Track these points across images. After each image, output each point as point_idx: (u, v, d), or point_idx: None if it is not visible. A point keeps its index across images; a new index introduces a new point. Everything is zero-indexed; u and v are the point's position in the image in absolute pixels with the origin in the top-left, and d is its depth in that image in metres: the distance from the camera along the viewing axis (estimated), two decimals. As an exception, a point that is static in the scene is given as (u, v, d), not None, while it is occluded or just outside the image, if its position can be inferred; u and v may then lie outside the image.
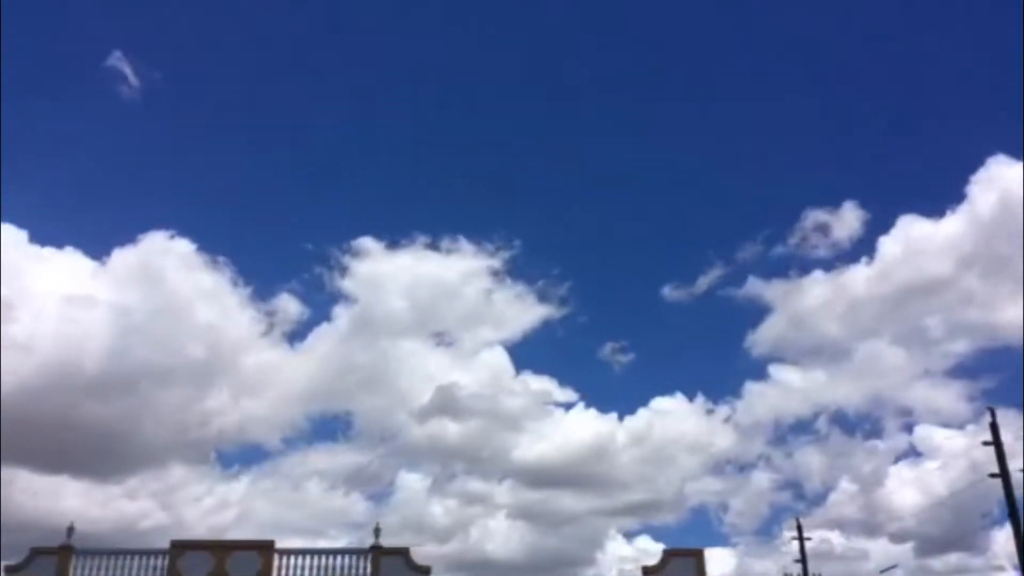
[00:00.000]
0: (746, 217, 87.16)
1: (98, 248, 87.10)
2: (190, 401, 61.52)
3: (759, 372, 74.46)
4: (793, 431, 71.33)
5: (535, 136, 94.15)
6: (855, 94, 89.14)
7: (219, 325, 65.46)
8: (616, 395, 74.32)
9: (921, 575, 51.19)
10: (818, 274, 73.55)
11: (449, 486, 63.39)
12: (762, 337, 71.37)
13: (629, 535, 64.06)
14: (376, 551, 31.07)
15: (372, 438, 68.27)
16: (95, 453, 56.85)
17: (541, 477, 63.02)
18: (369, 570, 30.80)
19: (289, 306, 71.36)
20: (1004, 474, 25.78)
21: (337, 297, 77.26)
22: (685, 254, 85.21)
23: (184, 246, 66.24)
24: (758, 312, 77.79)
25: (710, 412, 68.30)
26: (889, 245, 70.29)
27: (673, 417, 66.71)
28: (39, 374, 55.59)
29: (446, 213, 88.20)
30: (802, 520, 37.35)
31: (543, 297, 76.03)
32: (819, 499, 65.13)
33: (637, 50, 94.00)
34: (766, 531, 65.34)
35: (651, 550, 47.80)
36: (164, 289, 63.75)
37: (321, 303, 77.13)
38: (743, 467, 68.52)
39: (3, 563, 30.81)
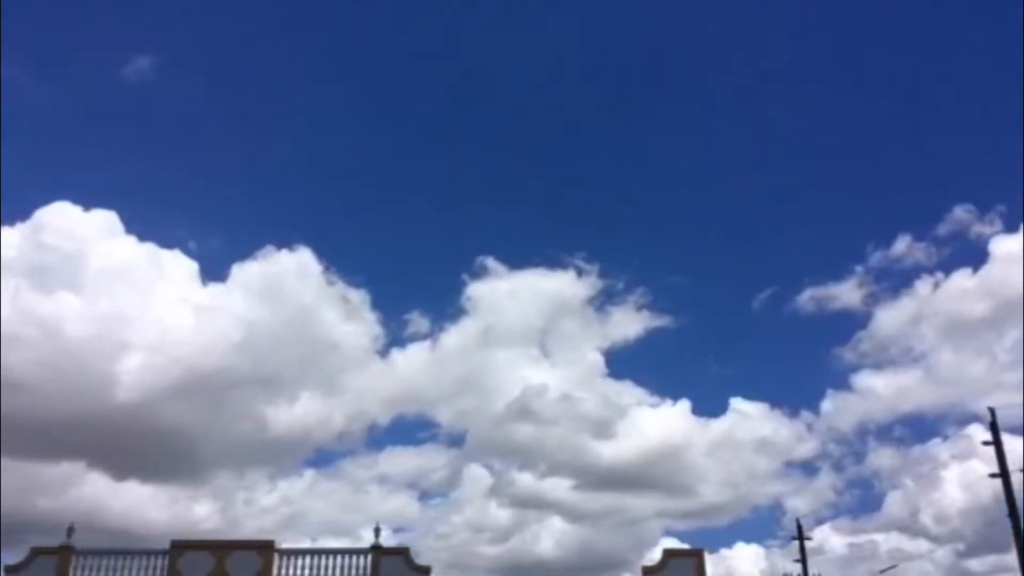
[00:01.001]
0: (843, 228, 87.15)
1: (222, 259, 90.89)
2: (288, 406, 63.61)
3: (843, 380, 75.80)
4: (868, 437, 72.43)
5: (633, 155, 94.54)
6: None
7: (333, 334, 67.75)
8: (702, 400, 75.77)
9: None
10: (915, 284, 75.51)
11: (513, 488, 63.45)
12: (851, 345, 73.58)
13: (683, 536, 65.22)
14: (376, 551, 31.08)
15: (450, 441, 70.70)
16: (194, 458, 59.14)
17: (609, 479, 63.68)
18: (369, 570, 30.82)
19: (405, 317, 75.60)
20: (1004, 474, 25.75)
21: (453, 312, 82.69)
22: (781, 263, 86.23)
23: (303, 257, 68.77)
24: (848, 321, 78.77)
25: (792, 417, 70.27)
26: (993, 254, 70.82)
27: (752, 421, 67.48)
28: (161, 381, 57.10)
29: (557, 232, 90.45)
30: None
31: (642, 306, 77.60)
32: (878, 502, 66.87)
33: (747, 58, 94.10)
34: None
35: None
36: (283, 300, 66.29)
37: (439, 316, 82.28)
38: (813, 470, 70.73)
39: (4, 563, 30.90)
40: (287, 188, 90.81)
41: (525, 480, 62.52)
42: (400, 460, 70.10)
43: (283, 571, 30.80)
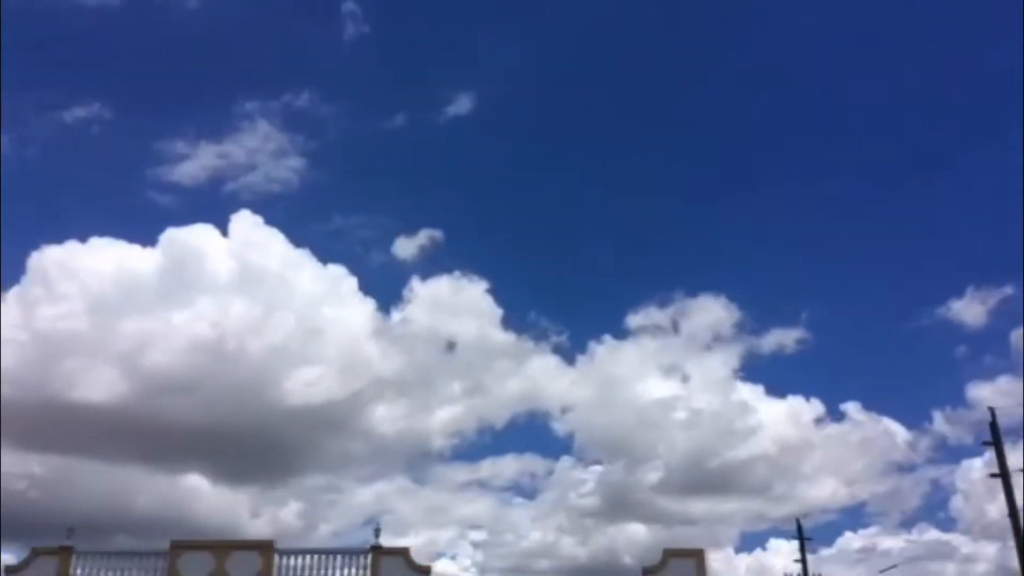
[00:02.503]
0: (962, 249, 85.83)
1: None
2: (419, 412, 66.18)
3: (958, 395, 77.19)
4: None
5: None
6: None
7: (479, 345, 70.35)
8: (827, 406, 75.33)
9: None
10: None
11: (605, 491, 63.63)
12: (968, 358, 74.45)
13: (760, 537, 65.57)
14: (376, 551, 31.08)
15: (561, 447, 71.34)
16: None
17: (706, 483, 63.71)
18: (369, 570, 30.82)
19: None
20: (1004, 474, 25.76)
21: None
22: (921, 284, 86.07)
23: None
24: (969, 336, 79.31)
25: (912, 427, 71.38)
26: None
27: (867, 427, 68.29)
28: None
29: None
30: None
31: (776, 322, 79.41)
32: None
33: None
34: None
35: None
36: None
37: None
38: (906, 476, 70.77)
39: (4, 563, 30.95)
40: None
41: (625, 484, 62.87)
42: (505, 464, 70.64)
43: (283, 571, 30.81)
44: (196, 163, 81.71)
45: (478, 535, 61.04)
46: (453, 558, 51.69)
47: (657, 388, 67.64)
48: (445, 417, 66.98)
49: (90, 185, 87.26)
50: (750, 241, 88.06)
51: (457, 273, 77.35)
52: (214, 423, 55.41)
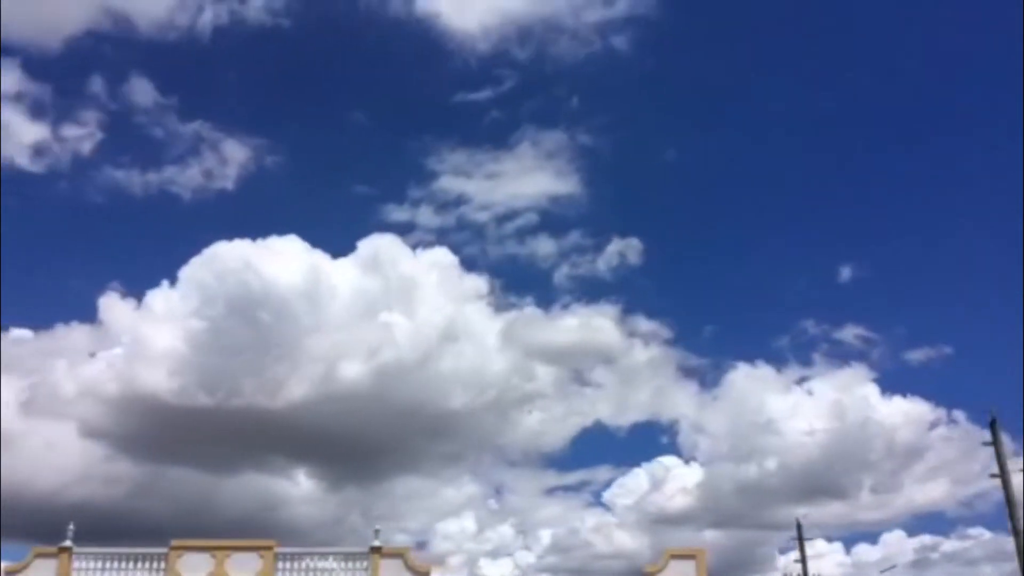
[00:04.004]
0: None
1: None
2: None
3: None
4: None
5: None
6: None
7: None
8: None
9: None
10: None
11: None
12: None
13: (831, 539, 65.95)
14: (375, 552, 31.06)
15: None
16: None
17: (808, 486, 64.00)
18: (368, 571, 30.81)
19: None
20: (1004, 474, 25.73)
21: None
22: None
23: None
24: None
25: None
26: None
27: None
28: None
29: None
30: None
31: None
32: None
33: None
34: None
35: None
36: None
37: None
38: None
39: (4, 564, 30.96)
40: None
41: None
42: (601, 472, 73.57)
43: (283, 572, 30.81)
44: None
45: (545, 536, 62.69)
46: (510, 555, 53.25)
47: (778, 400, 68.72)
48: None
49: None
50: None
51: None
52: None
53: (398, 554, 31.33)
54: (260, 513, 56.96)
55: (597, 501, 69.98)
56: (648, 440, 76.51)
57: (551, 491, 73.05)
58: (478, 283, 74.47)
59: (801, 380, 71.88)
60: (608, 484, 70.36)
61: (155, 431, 57.22)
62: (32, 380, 61.11)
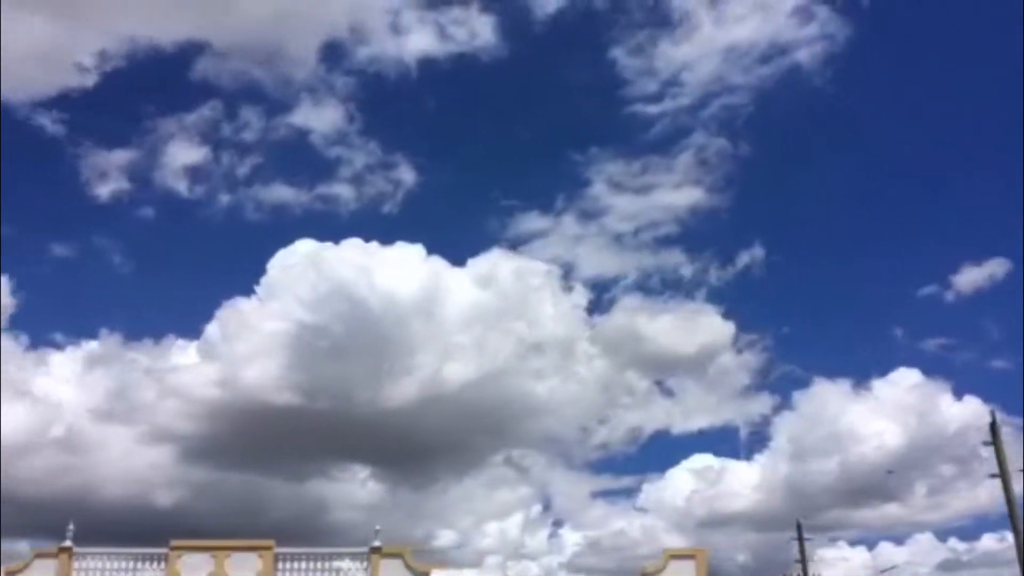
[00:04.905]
0: None
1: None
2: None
3: None
4: None
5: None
6: None
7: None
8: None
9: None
10: None
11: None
12: None
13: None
14: (375, 552, 31.07)
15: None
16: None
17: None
18: (368, 571, 30.81)
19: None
20: (1004, 474, 25.74)
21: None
22: None
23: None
24: None
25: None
26: None
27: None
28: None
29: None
30: None
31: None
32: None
33: None
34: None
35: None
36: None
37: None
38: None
39: (3, 565, 30.95)
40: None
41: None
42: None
43: (282, 573, 30.81)
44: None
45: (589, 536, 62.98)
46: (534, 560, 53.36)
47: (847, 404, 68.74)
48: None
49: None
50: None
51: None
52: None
53: (398, 554, 31.31)
54: (311, 515, 57.92)
55: (649, 503, 70.86)
56: (714, 444, 78.96)
57: (608, 493, 75.05)
58: (586, 293, 77.29)
59: (870, 384, 72.15)
60: (662, 487, 70.47)
61: (243, 436, 59.10)
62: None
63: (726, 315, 75.09)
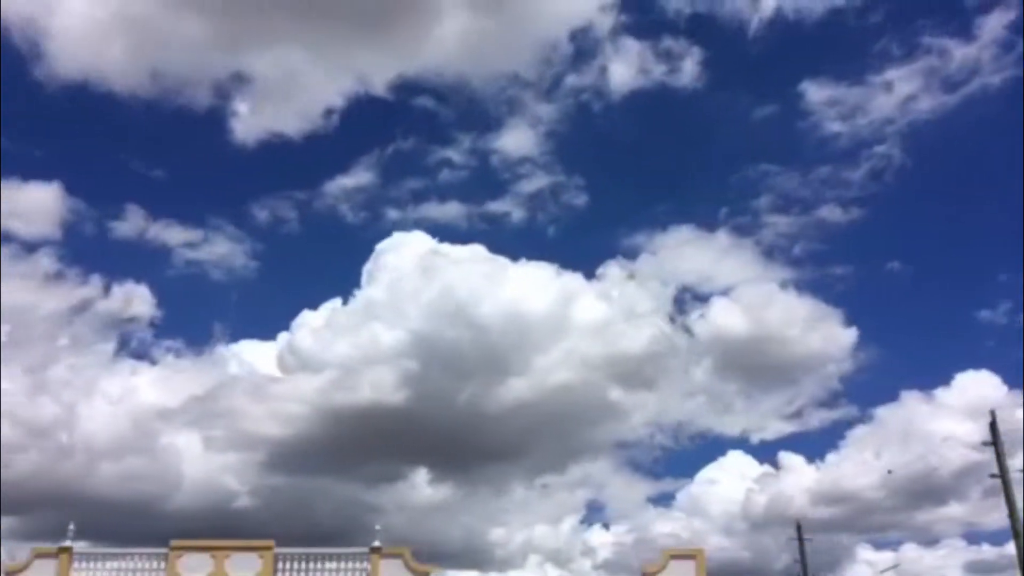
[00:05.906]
0: None
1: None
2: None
3: None
4: None
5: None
6: None
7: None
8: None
9: None
10: None
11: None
12: None
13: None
14: (375, 552, 31.07)
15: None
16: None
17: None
18: (368, 571, 30.82)
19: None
20: (1004, 474, 25.73)
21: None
22: None
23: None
24: None
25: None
26: None
27: None
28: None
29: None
30: None
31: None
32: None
33: None
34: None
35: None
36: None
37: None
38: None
39: (3, 565, 30.97)
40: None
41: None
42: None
43: (283, 572, 30.82)
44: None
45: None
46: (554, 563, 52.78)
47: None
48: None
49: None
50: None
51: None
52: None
53: (398, 554, 31.31)
54: (360, 518, 57.21)
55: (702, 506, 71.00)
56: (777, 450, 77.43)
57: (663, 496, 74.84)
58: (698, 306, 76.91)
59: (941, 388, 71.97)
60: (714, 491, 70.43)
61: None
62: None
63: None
